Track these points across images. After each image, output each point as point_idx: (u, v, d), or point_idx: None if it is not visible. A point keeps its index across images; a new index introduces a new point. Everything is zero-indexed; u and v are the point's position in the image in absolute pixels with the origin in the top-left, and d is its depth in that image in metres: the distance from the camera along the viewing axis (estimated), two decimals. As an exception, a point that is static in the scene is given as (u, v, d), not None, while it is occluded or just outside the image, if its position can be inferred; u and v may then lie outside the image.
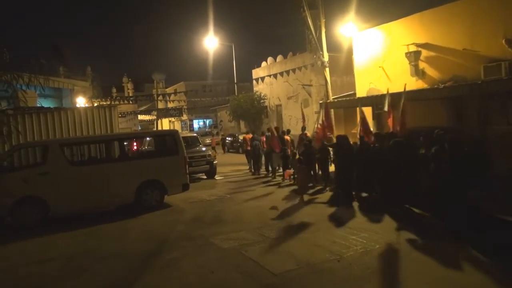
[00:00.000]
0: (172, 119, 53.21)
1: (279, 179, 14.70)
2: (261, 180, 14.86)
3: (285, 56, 30.89)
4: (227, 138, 31.33)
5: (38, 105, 17.80)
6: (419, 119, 13.20)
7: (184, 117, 50.88)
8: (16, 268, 6.90)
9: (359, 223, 8.11)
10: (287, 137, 15.51)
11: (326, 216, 8.97)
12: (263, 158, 16.58)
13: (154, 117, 44.85)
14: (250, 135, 17.99)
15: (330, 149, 12.05)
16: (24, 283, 6.26)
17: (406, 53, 14.56)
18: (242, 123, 34.10)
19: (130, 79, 61.15)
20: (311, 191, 11.75)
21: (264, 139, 16.55)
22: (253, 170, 16.90)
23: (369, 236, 7.18)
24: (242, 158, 19.41)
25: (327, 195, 11.22)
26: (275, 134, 15.09)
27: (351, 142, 11.42)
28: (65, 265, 6.89)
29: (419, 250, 6.33)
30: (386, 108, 12.29)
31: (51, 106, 16.36)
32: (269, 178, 15.09)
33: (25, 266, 6.94)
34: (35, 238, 8.61)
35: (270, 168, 15.92)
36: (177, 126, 55.55)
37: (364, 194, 10.54)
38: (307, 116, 27.90)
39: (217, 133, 42.27)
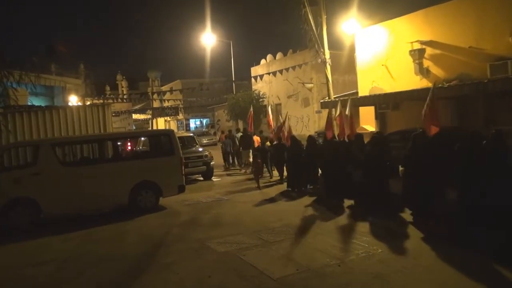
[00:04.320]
0: (168, 118, 53.19)
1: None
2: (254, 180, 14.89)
3: (285, 54, 30.93)
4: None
5: (29, 103, 17.76)
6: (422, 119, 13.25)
7: (180, 116, 50.86)
8: (8, 271, 6.90)
9: (362, 227, 8.12)
10: (256, 137, 17.53)
11: (327, 219, 8.97)
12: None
13: (149, 116, 44.93)
14: (226, 134, 20.32)
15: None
16: (17, 287, 6.25)
17: (410, 51, 14.62)
18: (240, 123, 34.09)
19: (124, 77, 61.22)
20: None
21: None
22: (226, 166, 19.34)
23: (371, 240, 7.20)
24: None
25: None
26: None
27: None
28: (59, 268, 6.89)
29: (424, 255, 6.35)
30: (337, 113, 12.86)
31: (43, 105, 16.35)
32: (266, 179, 15.13)
33: (18, 269, 6.93)
34: (28, 241, 8.59)
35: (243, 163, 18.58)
36: (173, 125, 55.50)
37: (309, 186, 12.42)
38: (308, 116, 28.02)
39: (214, 133, 42.28)
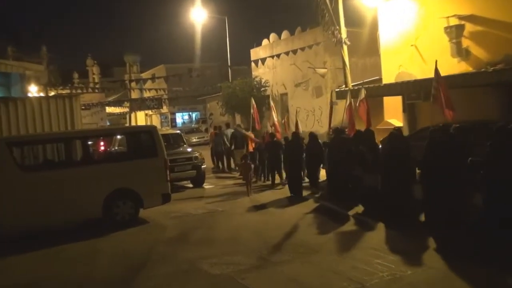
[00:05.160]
0: (149, 112, 53.17)
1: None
2: (256, 187, 15.06)
3: (292, 32, 30.88)
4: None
5: (-20, 94, 17.80)
6: (461, 110, 13.23)
7: (165, 109, 50.84)
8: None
9: (385, 243, 8.18)
10: (250, 134, 18.21)
11: (343, 234, 9.05)
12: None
13: (127, 110, 44.88)
14: (216, 131, 20.95)
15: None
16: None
17: (446, 28, 14.59)
18: (237, 117, 34.09)
19: (95, 62, 61.14)
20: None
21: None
22: (218, 167, 20.12)
23: (398, 259, 7.22)
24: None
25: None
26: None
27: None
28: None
29: (457, 275, 6.40)
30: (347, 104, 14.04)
31: (-4, 96, 16.37)
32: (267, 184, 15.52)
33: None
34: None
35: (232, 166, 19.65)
36: (155, 120, 55.52)
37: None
38: (320, 108, 28.01)
39: (206, 130, 42.32)
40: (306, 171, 14.40)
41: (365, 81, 20.45)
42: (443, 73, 14.11)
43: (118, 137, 15.83)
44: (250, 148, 17.27)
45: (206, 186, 16.44)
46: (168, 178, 11.36)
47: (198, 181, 16.45)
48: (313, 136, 13.95)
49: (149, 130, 11.89)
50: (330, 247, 8.20)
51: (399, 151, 9.73)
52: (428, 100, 15.68)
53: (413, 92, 15.56)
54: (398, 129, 10.97)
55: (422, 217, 9.18)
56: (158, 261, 8.07)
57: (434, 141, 8.96)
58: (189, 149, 16.96)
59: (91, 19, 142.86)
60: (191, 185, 16.57)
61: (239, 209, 11.98)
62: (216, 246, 8.76)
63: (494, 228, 7.70)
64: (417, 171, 9.62)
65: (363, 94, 13.88)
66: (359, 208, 10.70)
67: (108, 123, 49.49)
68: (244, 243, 8.81)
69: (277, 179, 15.18)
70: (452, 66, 14.54)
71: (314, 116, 28.02)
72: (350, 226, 9.67)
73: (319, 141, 14.05)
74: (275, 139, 15.30)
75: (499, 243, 7.41)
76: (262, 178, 16.31)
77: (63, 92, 32.40)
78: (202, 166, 16.50)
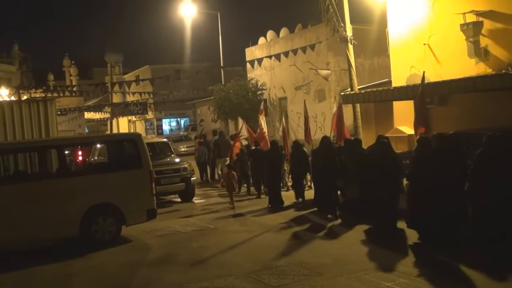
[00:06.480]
0: (133, 118, 53.21)
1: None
2: (250, 201, 15.22)
3: (291, 30, 31.02)
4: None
5: None
6: (480, 117, 13.23)
7: (150, 115, 50.90)
8: None
9: (394, 262, 8.16)
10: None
11: (348, 253, 9.03)
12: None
13: (108, 115, 44.84)
14: (200, 140, 22.12)
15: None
16: None
17: (462, 25, 14.64)
18: (231, 124, 34.07)
19: (73, 62, 61.20)
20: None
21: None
22: (203, 179, 20.80)
23: (412, 282, 7.18)
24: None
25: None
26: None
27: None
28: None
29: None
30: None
31: (-38, 100, 16.30)
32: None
33: None
34: None
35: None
36: (140, 127, 55.52)
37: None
38: (323, 114, 28.06)
39: (196, 138, 42.28)
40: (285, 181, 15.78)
41: (373, 83, 20.48)
42: (459, 75, 14.20)
43: (98, 146, 15.79)
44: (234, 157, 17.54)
45: (196, 200, 16.42)
46: (154, 192, 11.36)
47: (187, 194, 16.40)
48: (297, 144, 14.58)
49: (133, 139, 11.88)
50: (332, 267, 8.18)
51: (388, 160, 10.13)
52: (443, 105, 15.76)
53: (426, 96, 15.56)
54: (386, 137, 11.30)
55: (409, 229, 9.54)
56: (142, 285, 8.04)
57: (425, 150, 9.43)
58: (177, 160, 16.93)
59: (68, 14, 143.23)
60: (179, 200, 16.52)
61: (233, 226, 11.97)
62: (207, 267, 8.72)
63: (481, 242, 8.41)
64: (405, 181, 10.20)
65: (335, 106, 14.63)
66: (344, 220, 11.50)
67: (86, 131, 49.47)
68: (238, 264, 8.76)
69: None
70: (469, 68, 14.58)
71: (317, 123, 28.01)
72: (345, 241, 9.88)
73: (305, 149, 14.73)
74: (258, 147, 16.12)
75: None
76: (247, 189, 16.82)
77: (37, 95, 32.35)
78: (192, 178, 16.49)
